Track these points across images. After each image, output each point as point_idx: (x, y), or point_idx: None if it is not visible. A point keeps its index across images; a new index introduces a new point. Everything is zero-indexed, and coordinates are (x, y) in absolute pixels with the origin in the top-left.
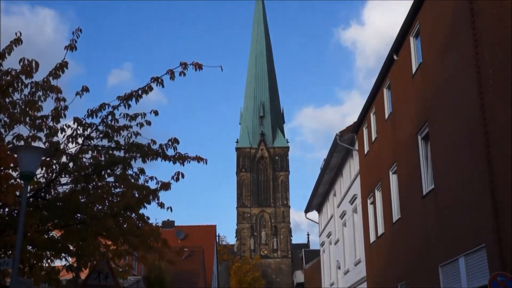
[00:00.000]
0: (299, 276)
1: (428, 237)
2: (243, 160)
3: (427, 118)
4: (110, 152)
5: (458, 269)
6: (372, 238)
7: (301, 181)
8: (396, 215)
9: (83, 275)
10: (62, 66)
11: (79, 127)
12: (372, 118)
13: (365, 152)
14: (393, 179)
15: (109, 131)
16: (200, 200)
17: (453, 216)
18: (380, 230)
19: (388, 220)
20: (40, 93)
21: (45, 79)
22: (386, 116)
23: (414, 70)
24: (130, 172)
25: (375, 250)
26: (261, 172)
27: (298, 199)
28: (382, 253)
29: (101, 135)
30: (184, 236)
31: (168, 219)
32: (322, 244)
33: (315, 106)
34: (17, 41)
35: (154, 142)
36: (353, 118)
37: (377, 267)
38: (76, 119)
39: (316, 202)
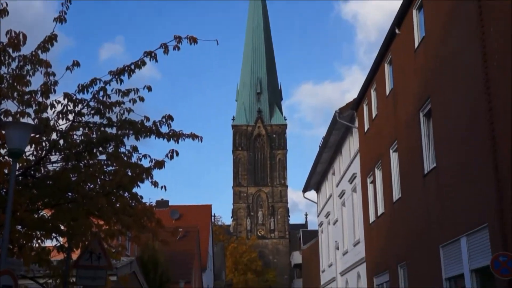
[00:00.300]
0: (297, 257)
1: (429, 216)
2: (239, 138)
3: (430, 94)
4: (102, 129)
5: (459, 250)
6: (372, 218)
7: (299, 159)
8: (396, 194)
9: (75, 255)
10: (51, 39)
11: (69, 103)
12: (373, 94)
13: (365, 129)
14: (394, 158)
15: (101, 107)
16: (195, 179)
17: (455, 195)
18: (380, 210)
19: (388, 200)
20: (29, 67)
21: (34, 53)
22: (387, 92)
23: (416, 44)
24: (122, 149)
25: (374, 230)
26: (258, 150)
27: (296, 178)
28: (382, 234)
29: (92, 111)
30: (179, 216)
31: (162, 199)
32: (321, 224)
33: (314, 82)
34: (3, 12)
35: (147, 118)
36: (353, 94)
37: (376, 247)
38: (66, 95)
39: (315, 181)
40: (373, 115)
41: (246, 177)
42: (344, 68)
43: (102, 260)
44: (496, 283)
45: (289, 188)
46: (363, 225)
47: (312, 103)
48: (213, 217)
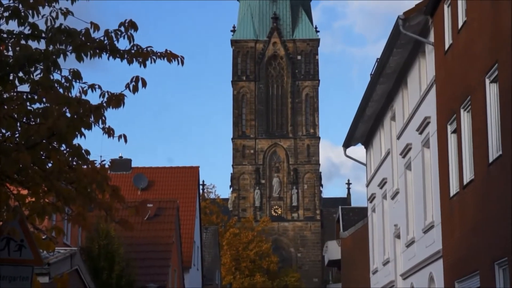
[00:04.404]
0: (333, 250)
1: None
2: (243, 61)
3: None
4: (23, 42)
5: None
6: (454, 188)
7: (339, 97)
8: (494, 151)
9: None
10: None
11: None
12: None
13: (446, 47)
14: (492, 92)
15: (20, 7)
16: (175, 126)
17: None
18: (468, 176)
19: (481, 159)
20: None
21: None
22: None
23: None
24: (56, 76)
25: (457, 209)
26: (273, 82)
27: (333, 127)
28: (470, 213)
29: (6, 14)
30: (148, 184)
31: (122, 157)
32: (372, 198)
33: None
34: None
35: (96, 27)
36: None
37: (460, 235)
38: None
39: (362, 132)
40: (459, 24)
41: (253, 124)
42: None
43: (25, 251)
44: None
45: (322, 141)
46: (439, 200)
47: (361, 5)
48: (201, 187)
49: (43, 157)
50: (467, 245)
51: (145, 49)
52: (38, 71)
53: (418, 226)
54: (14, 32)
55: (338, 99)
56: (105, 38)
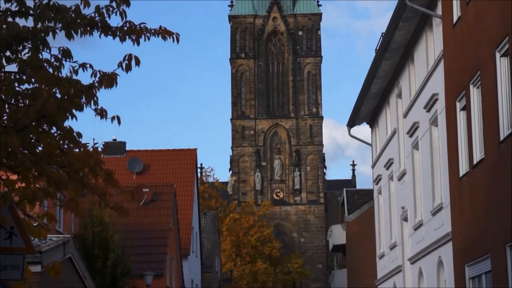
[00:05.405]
0: (338, 234)
1: None
2: (242, 38)
3: None
4: (10, 20)
5: None
6: (464, 168)
7: (342, 74)
8: (505, 128)
9: None
10: None
11: None
12: None
13: (454, 20)
14: (503, 66)
15: None
16: (171, 107)
17: None
18: (478, 155)
19: (491, 137)
20: None
21: None
22: None
23: None
24: (46, 55)
25: (467, 190)
26: (273, 59)
27: (337, 105)
28: (480, 194)
29: None
30: (143, 168)
31: (115, 139)
32: (378, 180)
33: None
34: None
35: (86, 3)
36: None
37: (470, 217)
38: None
39: (367, 110)
40: None
41: (253, 104)
42: None
43: (16, 239)
44: None
45: (326, 120)
46: (448, 181)
47: None
48: (199, 170)
49: (32, 141)
50: (477, 227)
51: (138, 26)
52: (26, 50)
53: (426, 208)
54: (1, 9)
55: (342, 76)
56: (96, 15)
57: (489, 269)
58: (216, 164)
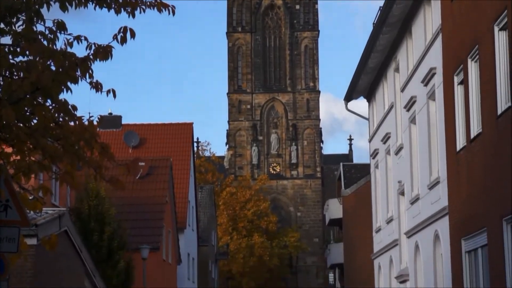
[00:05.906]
0: (334, 208)
1: None
2: (238, 11)
3: None
4: None
5: None
6: (461, 142)
7: (340, 49)
8: (503, 102)
9: None
10: None
11: None
12: None
13: None
14: (501, 40)
15: None
16: (166, 81)
17: None
18: (475, 129)
19: (489, 112)
20: None
21: None
22: None
23: None
24: (40, 27)
25: (464, 164)
26: (270, 33)
27: (334, 80)
28: (477, 168)
29: None
30: (139, 142)
31: (111, 113)
32: (374, 154)
33: None
34: None
35: None
36: None
37: (467, 191)
38: None
39: (365, 84)
40: None
41: (250, 78)
42: None
43: (11, 211)
44: None
45: (322, 95)
46: (445, 155)
47: None
48: (196, 144)
49: (27, 113)
50: (474, 201)
51: None
52: (20, 22)
53: (423, 182)
54: None
55: (340, 51)
56: None
57: (485, 243)
58: (213, 138)
